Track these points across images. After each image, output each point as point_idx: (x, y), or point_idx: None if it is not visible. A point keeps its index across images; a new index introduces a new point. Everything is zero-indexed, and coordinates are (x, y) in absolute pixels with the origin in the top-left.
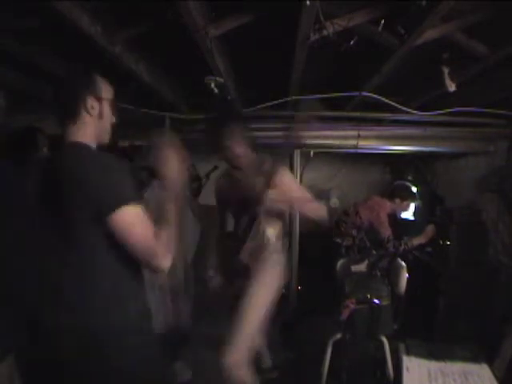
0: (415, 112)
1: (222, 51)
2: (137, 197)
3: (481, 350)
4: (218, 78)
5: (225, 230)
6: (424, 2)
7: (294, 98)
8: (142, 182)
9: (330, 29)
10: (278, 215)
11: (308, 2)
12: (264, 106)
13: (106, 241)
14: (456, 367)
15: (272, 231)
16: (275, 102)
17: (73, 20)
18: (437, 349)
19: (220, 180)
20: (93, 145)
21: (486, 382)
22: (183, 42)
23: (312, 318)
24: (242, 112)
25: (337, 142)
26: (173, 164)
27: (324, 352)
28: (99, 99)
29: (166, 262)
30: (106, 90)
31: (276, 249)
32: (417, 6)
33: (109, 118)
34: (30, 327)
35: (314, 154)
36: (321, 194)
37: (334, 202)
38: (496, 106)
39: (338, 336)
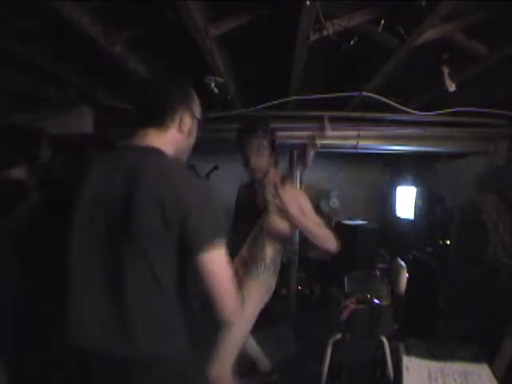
0: (415, 112)
1: (221, 51)
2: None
3: (481, 350)
4: (218, 78)
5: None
6: (424, 2)
7: (294, 97)
8: None
9: (329, 29)
10: (283, 233)
11: (308, 2)
12: (264, 105)
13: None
14: (456, 367)
15: (270, 251)
16: (275, 102)
17: (73, 20)
18: (437, 349)
19: (242, 189)
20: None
21: (486, 382)
22: (183, 42)
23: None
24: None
25: (337, 142)
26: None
27: (324, 352)
28: (192, 117)
29: (233, 315)
30: (198, 110)
31: (268, 269)
32: (417, 6)
33: (194, 137)
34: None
35: (314, 153)
36: (321, 194)
37: (334, 202)
38: (496, 106)
39: (338, 336)
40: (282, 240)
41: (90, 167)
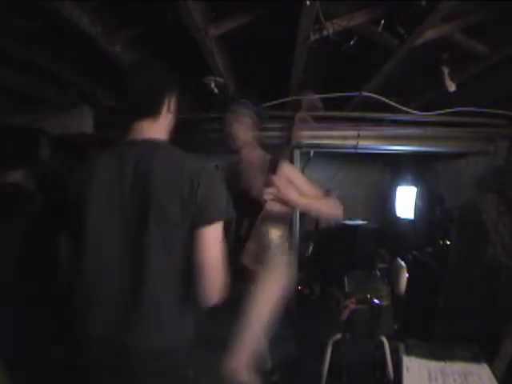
0: (415, 112)
1: (221, 51)
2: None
3: (481, 350)
4: (218, 78)
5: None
6: (424, 2)
7: (294, 98)
8: None
9: (330, 29)
10: (282, 214)
11: (308, 2)
12: (264, 105)
13: (185, 249)
14: (456, 367)
15: (276, 232)
16: (275, 102)
17: (73, 20)
18: (437, 349)
19: (226, 171)
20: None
21: (486, 381)
22: (183, 42)
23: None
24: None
25: (337, 142)
26: None
27: (324, 352)
28: (176, 96)
29: (216, 296)
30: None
31: (280, 250)
32: (417, 6)
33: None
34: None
35: (314, 153)
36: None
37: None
38: (496, 106)
39: (338, 336)
40: (285, 220)
41: (94, 166)
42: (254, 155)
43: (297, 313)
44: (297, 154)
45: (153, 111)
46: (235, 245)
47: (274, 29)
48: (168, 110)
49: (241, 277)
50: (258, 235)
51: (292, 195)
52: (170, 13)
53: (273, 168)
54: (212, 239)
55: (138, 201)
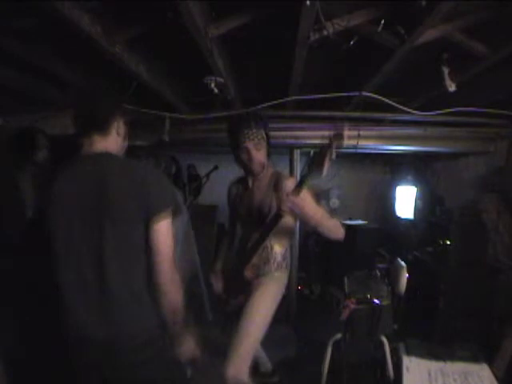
0: (415, 112)
1: (221, 51)
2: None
3: (481, 350)
4: (217, 78)
5: (232, 238)
6: (424, 2)
7: (294, 98)
8: None
9: (330, 29)
10: (287, 231)
11: (308, 2)
12: (264, 105)
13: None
14: (456, 367)
15: (279, 248)
16: (275, 102)
17: (73, 20)
18: (437, 349)
19: (233, 186)
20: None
21: (486, 381)
22: (183, 42)
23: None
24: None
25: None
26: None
27: (324, 352)
28: (125, 123)
29: (170, 281)
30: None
31: (279, 265)
32: (417, 6)
33: (126, 140)
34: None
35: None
36: (321, 194)
37: (334, 202)
38: (496, 106)
39: (338, 336)
40: (289, 234)
41: (59, 176)
42: (267, 173)
43: (297, 313)
44: (297, 153)
45: (102, 130)
46: (240, 258)
47: (274, 29)
48: (117, 132)
49: (242, 288)
50: (262, 249)
51: (311, 213)
52: (170, 13)
53: (290, 188)
54: (163, 227)
55: (96, 205)
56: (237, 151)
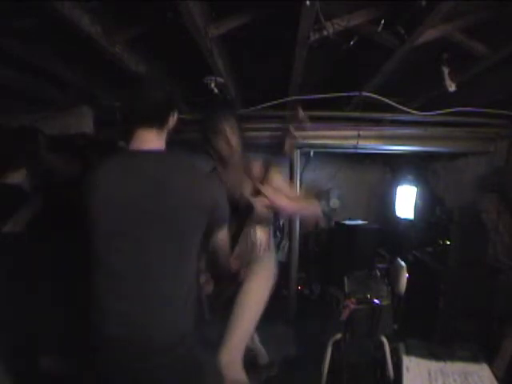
0: (415, 112)
1: (221, 51)
2: None
3: (481, 350)
4: (218, 78)
5: None
6: (424, 2)
7: (294, 98)
8: None
9: (329, 29)
10: (267, 214)
11: (308, 2)
12: (264, 105)
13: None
14: (456, 367)
15: (260, 231)
16: (275, 102)
17: (73, 20)
18: (437, 349)
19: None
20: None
21: (486, 381)
22: (183, 42)
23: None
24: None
25: (337, 142)
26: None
27: (324, 352)
28: (177, 112)
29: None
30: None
31: (264, 249)
32: (417, 6)
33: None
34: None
35: (314, 153)
36: (321, 194)
37: (334, 202)
38: (496, 106)
39: (338, 336)
40: (269, 219)
41: (105, 172)
42: (240, 160)
43: (297, 313)
44: (297, 153)
45: (161, 123)
46: None
47: (274, 29)
48: (170, 125)
49: (231, 279)
50: (243, 236)
51: (282, 202)
52: (170, 13)
53: (261, 176)
54: (224, 237)
55: (150, 205)
56: (212, 135)
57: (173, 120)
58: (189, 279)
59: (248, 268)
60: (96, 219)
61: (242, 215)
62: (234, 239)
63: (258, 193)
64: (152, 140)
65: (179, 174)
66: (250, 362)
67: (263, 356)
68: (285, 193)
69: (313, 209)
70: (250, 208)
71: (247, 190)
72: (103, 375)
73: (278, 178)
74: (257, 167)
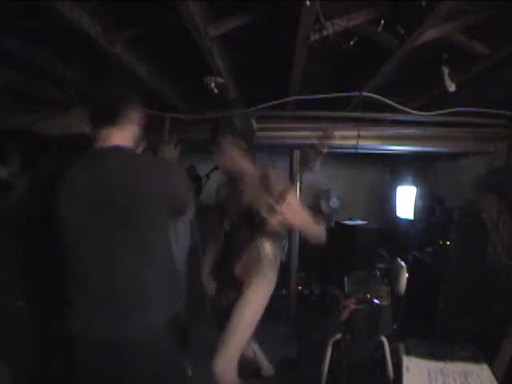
0: (415, 112)
1: (221, 51)
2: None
3: (481, 350)
4: (218, 78)
5: (220, 237)
6: (424, 2)
7: (294, 98)
8: None
9: (329, 29)
10: (278, 229)
11: (308, 2)
12: (264, 105)
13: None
14: (456, 367)
15: (269, 246)
16: (275, 102)
17: (73, 20)
18: (437, 349)
19: (221, 185)
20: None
21: (486, 382)
22: (183, 42)
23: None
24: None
25: (337, 142)
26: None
27: (324, 352)
28: (138, 110)
29: None
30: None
31: (270, 263)
32: (417, 6)
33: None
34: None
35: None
36: (321, 194)
37: (334, 202)
38: (496, 106)
39: (338, 336)
40: (279, 235)
41: (70, 170)
42: (254, 174)
43: (297, 313)
44: (297, 153)
45: (117, 120)
46: (231, 255)
47: (274, 29)
48: (131, 122)
49: (233, 286)
50: (252, 248)
51: (296, 221)
52: (170, 13)
53: (278, 193)
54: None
55: (113, 200)
56: (214, 148)
57: (136, 117)
58: (160, 266)
59: (251, 280)
60: (59, 218)
61: (254, 225)
62: (243, 247)
63: (273, 210)
64: (113, 137)
65: (139, 165)
66: (253, 374)
67: (267, 367)
68: (298, 214)
69: (319, 233)
70: (264, 221)
71: (263, 205)
72: (80, 375)
73: (294, 198)
74: (279, 185)
